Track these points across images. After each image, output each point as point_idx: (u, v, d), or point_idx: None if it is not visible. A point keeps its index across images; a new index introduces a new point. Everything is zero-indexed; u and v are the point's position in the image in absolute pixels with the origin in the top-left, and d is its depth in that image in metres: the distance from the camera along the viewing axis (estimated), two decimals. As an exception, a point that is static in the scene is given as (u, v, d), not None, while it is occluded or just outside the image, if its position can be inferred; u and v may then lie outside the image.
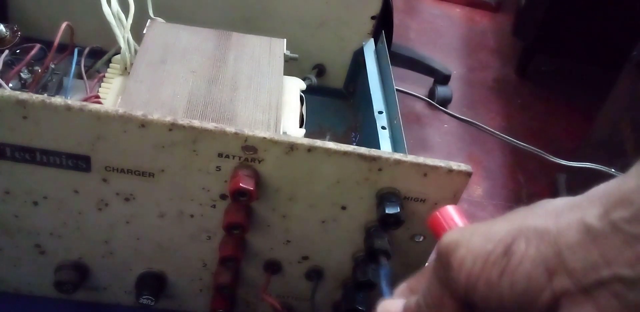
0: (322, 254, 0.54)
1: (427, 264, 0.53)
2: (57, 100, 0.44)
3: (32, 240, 0.53)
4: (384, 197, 0.48)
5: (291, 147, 0.46)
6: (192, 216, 0.51)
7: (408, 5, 2.09)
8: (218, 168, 0.47)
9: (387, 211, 0.47)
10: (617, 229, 0.27)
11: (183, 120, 0.45)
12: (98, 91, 0.65)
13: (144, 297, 0.54)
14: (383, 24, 0.81)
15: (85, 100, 0.62)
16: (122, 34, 0.63)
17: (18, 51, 0.67)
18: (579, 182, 1.13)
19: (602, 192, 0.29)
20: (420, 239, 0.52)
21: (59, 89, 0.68)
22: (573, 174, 1.21)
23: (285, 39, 0.71)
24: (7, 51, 0.65)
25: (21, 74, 0.65)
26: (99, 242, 0.53)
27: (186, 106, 0.58)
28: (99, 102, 0.61)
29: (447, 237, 0.33)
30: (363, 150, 0.47)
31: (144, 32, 0.67)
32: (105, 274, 0.55)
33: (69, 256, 0.54)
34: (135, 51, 0.65)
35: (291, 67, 0.69)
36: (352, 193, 0.49)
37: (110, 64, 0.67)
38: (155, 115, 0.45)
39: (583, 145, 1.25)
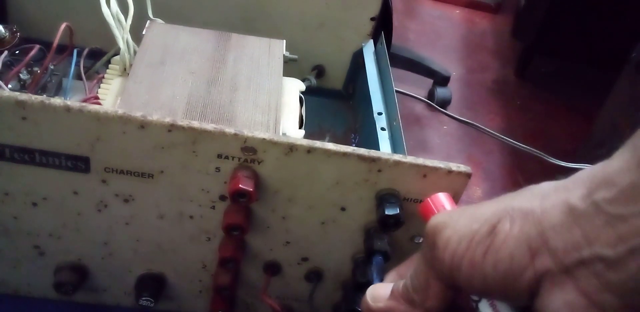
0: (321, 255, 0.53)
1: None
2: (57, 101, 0.44)
3: (31, 241, 0.52)
4: (384, 198, 0.48)
5: (291, 148, 0.46)
6: (191, 217, 0.51)
7: (407, 6, 2.08)
8: (217, 169, 0.47)
9: (386, 212, 0.47)
10: (599, 210, 0.27)
11: (182, 121, 0.45)
12: (97, 92, 0.64)
13: (143, 298, 0.54)
14: (382, 25, 0.81)
15: (85, 101, 0.62)
16: (122, 35, 0.63)
17: (17, 52, 0.67)
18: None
19: (587, 174, 0.29)
20: (420, 240, 0.52)
21: (58, 90, 0.68)
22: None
23: (284, 40, 0.71)
24: (6, 52, 0.65)
25: (20, 75, 0.65)
26: (98, 244, 0.53)
27: (185, 107, 0.58)
28: (98, 103, 0.61)
29: (435, 219, 0.33)
30: (362, 151, 0.47)
31: (143, 33, 0.67)
32: (105, 275, 0.55)
33: (68, 257, 0.54)
34: (135, 52, 0.65)
35: (291, 68, 0.69)
36: (351, 194, 0.49)
37: (110, 65, 0.67)
38: (154, 116, 0.45)
39: (582, 147, 1.25)
